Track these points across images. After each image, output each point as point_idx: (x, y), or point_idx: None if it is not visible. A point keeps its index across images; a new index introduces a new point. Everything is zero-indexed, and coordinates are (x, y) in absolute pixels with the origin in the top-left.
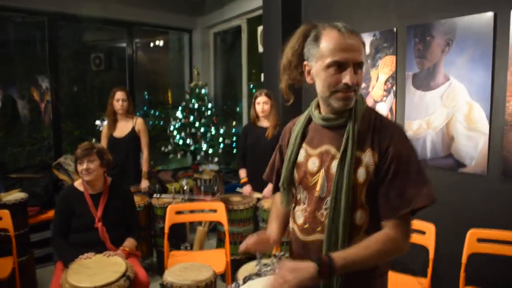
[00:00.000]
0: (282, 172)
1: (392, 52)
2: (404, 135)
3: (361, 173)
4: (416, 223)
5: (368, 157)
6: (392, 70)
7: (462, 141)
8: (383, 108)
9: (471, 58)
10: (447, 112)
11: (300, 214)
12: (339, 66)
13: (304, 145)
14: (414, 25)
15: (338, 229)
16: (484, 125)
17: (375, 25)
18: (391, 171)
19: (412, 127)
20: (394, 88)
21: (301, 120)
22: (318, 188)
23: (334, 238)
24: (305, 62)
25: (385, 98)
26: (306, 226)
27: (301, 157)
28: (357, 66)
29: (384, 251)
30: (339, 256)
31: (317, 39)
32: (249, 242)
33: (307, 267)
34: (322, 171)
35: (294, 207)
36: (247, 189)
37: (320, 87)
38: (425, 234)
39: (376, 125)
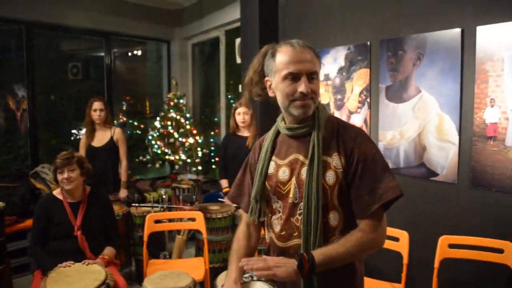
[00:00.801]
0: (254, 185)
1: (366, 65)
2: (366, 137)
3: (330, 176)
4: (390, 230)
5: (335, 161)
6: (366, 83)
7: (433, 151)
8: (358, 119)
9: (441, 71)
10: (418, 123)
11: (276, 223)
12: (293, 77)
13: (273, 157)
14: (387, 39)
15: (313, 231)
16: (454, 136)
17: (350, 39)
18: (358, 172)
19: (386, 138)
20: (368, 100)
21: (269, 134)
22: (291, 195)
23: (311, 240)
24: (266, 78)
25: (359, 109)
26: (283, 233)
27: (271, 169)
28: (311, 75)
29: (360, 246)
30: (319, 253)
31: (273, 55)
32: None
33: (290, 263)
34: (293, 178)
35: (271, 217)
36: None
37: (279, 98)
38: (398, 240)
39: (339, 130)
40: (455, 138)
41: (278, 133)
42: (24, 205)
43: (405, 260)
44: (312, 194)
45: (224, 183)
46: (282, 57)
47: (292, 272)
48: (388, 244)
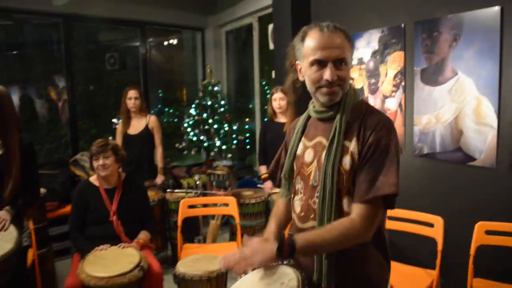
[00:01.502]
0: (284, 165)
1: (400, 48)
2: (388, 126)
3: (346, 161)
4: (425, 216)
5: (353, 146)
6: (401, 66)
7: (471, 135)
8: (393, 103)
9: (478, 52)
10: (455, 106)
11: (298, 204)
12: (320, 64)
13: (302, 138)
14: (422, 20)
15: (327, 215)
16: (492, 119)
17: (383, 22)
18: (367, 157)
19: (422, 122)
20: (403, 83)
21: (302, 116)
22: (311, 177)
23: (325, 223)
24: (297, 61)
25: (394, 93)
26: (302, 214)
27: (299, 150)
28: (339, 62)
29: (345, 235)
30: (301, 237)
31: (303, 39)
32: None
33: (269, 249)
34: (315, 161)
35: (293, 197)
36: (268, 184)
37: (307, 83)
38: (433, 226)
39: (365, 117)
40: (494, 121)
41: (309, 116)
42: (64, 191)
43: (440, 247)
44: (328, 178)
45: (262, 169)
46: (310, 42)
47: (270, 257)
48: (423, 230)
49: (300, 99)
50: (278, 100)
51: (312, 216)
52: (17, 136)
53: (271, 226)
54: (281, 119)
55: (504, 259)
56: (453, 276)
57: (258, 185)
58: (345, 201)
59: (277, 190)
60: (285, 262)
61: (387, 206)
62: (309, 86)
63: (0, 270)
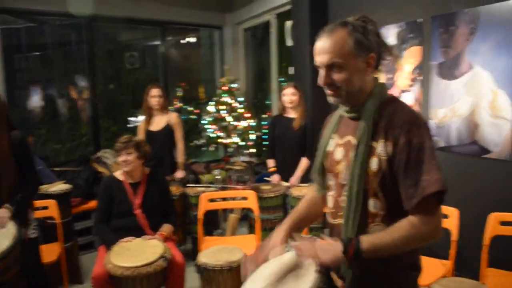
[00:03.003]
0: (315, 160)
1: (417, 42)
2: (418, 124)
3: (373, 163)
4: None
5: (380, 147)
6: (418, 60)
7: (486, 128)
8: (409, 98)
9: (495, 45)
10: (471, 100)
11: (330, 199)
12: (320, 68)
13: (335, 135)
14: (438, 15)
15: (351, 215)
16: (508, 112)
17: (401, 17)
18: (403, 161)
19: (438, 115)
20: (419, 77)
21: (336, 112)
22: (341, 175)
23: (349, 222)
24: None
25: (411, 88)
26: (333, 210)
27: (330, 146)
28: (331, 66)
29: (407, 237)
30: (366, 239)
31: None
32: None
33: (335, 249)
34: (345, 160)
35: (327, 193)
36: (275, 178)
37: None
38: (448, 217)
39: (391, 116)
40: (510, 114)
41: None
42: (88, 187)
43: (454, 237)
44: (354, 179)
45: (270, 163)
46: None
47: (337, 257)
48: None
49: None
50: (289, 95)
51: (340, 213)
52: (5, 137)
53: (286, 222)
54: (291, 114)
55: None
56: (467, 266)
57: (265, 178)
58: (370, 202)
59: (285, 184)
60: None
61: (439, 203)
62: None
63: (3, 266)
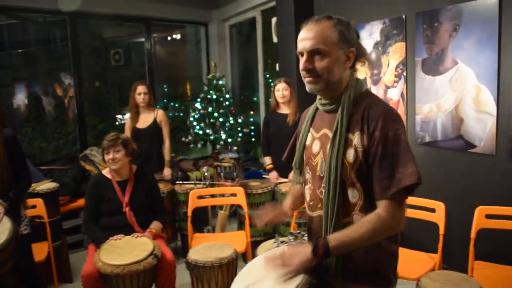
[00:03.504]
0: (295, 154)
1: (401, 38)
2: (392, 117)
3: (350, 154)
4: (427, 201)
5: (357, 139)
6: (402, 56)
7: (471, 123)
8: (395, 93)
9: (478, 41)
10: (456, 95)
11: (307, 193)
12: (302, 55)
13: (311, 129)
14: (422, 11)
15: (331, 205)
16: (492, 107)
17: (385, 13)
18: (379, 153)
19: (423, 111)
20: (404, 73)
21: (311, 107)
22: (318, 168)
23: (330, 213)
24: None
25: (396, 83)
26: (311, 203)
27: (308, 140)
28: (314, 52)
29: (375, 230)
30: (334, 238)
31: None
32: (265, 218)
33: (305, 252)
34: (321, 152)
35: (304, 187)
36: (273, 174)
37: None
38: (435, 211)
39: (367, 109)
40: (493, 109)
41: (318, 107)
42: (76, 186)
43: (442, 231)
44: (332, 170)
45: (267, 160)
46: (298, 36)
47: (306, 259)
48: (425, 215)
49: (302, 91)
50: (281, 90)
51: (319, 205)
52: None
53: (288, 200)
54: (284, 110)
55: (504, 242)
56: (455, 260)
57: (263, 176)
58: (349, 192)
59: (283, 180)
60: (297, 243)
61: (407, 195)
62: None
63: None
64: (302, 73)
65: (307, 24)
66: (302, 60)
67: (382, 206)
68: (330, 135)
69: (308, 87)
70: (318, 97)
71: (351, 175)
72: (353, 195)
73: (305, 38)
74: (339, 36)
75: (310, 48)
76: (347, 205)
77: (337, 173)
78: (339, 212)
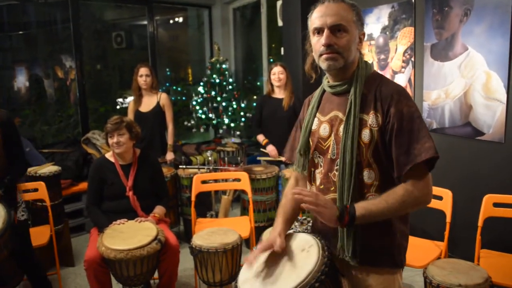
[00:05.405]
0: (300, 140)
1: (410, 23)
2: (405, 94)
3: (366, 134)
4: (434, 189)
5: (371, 119)
6: (411, 41)
7: (480, 110)
8: (402, 79)
9: (489, 27)
10: (465, 81)
11: (318, 176)
12: (318, 32)
13: (317, 114)
14: None
15: (347, 187)
16: (501, 94)
17: None
18: (395, 131)
19: (431, 97)
20: (412, 59)
21: (316, 92)
22: (330, 151)
23: (345, 195)
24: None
25: (403, 69)
26: (322, 187)
27: (314, 125)
28: (336, 29)
29: (404, 202)
30: (360, 206)
31: (311, 15)
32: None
33: (334, 210)
34: (332, 135)
35: (314, 171)
36: (270, 147)
37: (314, 55)
38: (442, 199)
39: (379, 88)
40: (503, 96)
41: (324, 90)
42: (78, 169)
43: (448, 219)
44: (347, 151)
45: (260, 137)
46: (313, 15)
47: (333, 218)
48: (432, 203)
49: (296, 76)
50: (277, 74)
51: (332, 188)
52: None
53: (278, 224)
54: (279, 94)
55: (510, 231)
56: (461, 248)
57: (261, 150)
58: (365, 173)
59: (281, 158)
60: (303, 229)
61: (429, 169)
62: (314, 57)
63: None
64: (321, 49)
65: (323, 2)
66: (323, 36)
67: (407, 181)
68: (342, 116)
69: (326, 64)
70: (326, 80)
71: (367, 156)
72: (369, 176)
73: (326, 14)
74: (356, 17)
75: (332, 23)
76: (362, 187)
77: (353, 154)
78: (355, 193)
